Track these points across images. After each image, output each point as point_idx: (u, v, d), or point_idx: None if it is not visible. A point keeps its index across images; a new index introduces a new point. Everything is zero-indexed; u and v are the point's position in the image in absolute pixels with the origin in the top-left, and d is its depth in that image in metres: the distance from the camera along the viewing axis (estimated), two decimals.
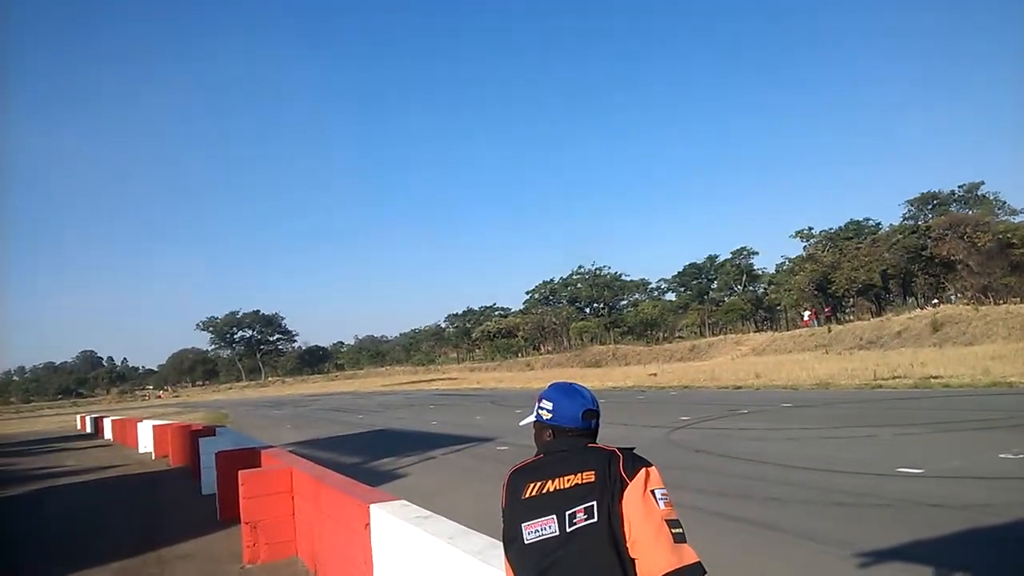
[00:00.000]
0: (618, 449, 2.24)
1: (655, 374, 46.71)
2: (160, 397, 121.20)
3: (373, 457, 17.02)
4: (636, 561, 2.04)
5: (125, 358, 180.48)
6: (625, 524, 2.07)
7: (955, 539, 6.72)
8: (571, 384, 2.50)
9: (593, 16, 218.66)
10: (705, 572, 2.02)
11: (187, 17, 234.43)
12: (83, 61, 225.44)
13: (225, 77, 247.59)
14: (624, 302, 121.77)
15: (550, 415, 2.38)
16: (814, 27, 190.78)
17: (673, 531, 2.04)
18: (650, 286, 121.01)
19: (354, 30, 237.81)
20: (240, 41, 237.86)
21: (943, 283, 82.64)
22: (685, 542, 2.05)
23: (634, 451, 2.24)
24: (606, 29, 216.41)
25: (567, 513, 2.10)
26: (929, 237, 78.30)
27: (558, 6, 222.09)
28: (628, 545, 2.05)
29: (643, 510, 2.06)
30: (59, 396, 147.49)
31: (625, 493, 2.09)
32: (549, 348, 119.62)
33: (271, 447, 11.48)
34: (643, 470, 2.14)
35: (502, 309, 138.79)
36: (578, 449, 2.28)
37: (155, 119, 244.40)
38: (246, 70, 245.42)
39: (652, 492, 2.10)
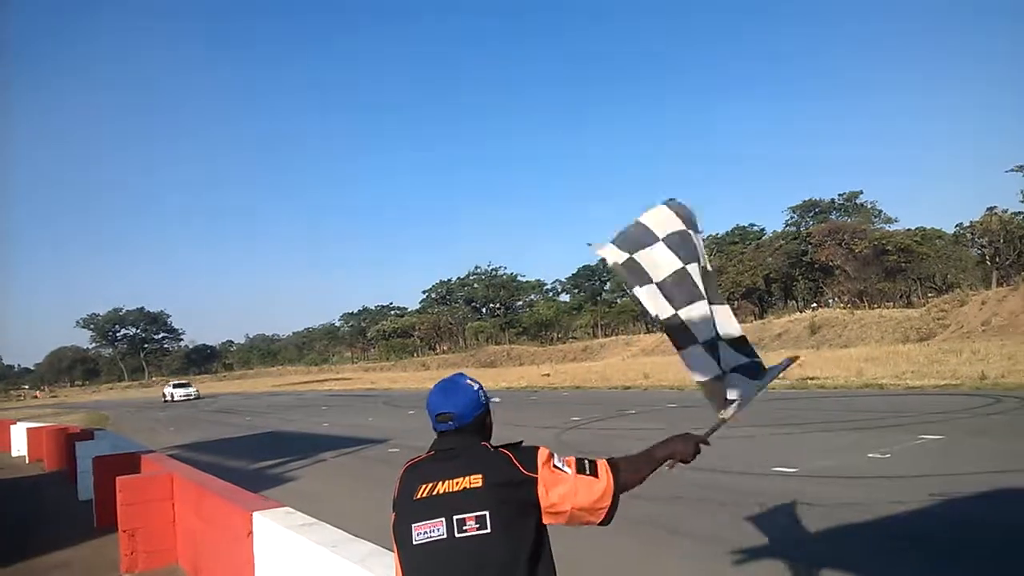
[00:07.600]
0: (503, 448, 2.28)
1: (548, 374, 47.25)
2: (36, 397, 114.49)
3: (260, 460, 16.64)
4: (582, 516, 2.25)
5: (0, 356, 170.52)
6: (557, 508, 2.21)
7: (826, 536, 7.10)
8: (449, 379, 2.45)
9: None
10: (620, 470, 2.30)
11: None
12: None
13: (101, 64, 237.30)
14: (520, 303, 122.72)
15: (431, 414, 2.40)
16: (702, 39, 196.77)
17: (587, 472, 2.25)
18: (545, 287, 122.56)
19: (238, 25, 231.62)
20: (125, 30, 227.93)
21: (822, 287, 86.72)
22: (596, 469, 2.28)
23: (521, 444, 2.31)
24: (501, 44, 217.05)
25: (455, 518, 2.12)
26: (810, 243, 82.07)
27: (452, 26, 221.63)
28: (569, 517, 2.24)
29: (558, 485, 2.20)
30: None
31: (538, 489, 2.18)
32: (445, 348, 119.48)
33: (152, 451, 11.12)
34: (536, 457, 2.23)
35: (398, 308, 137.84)
36: (465, 447, 2.28)
37: (32, 108, 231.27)
38: (128, 57, 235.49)
39: (555, 467, 2.23)
